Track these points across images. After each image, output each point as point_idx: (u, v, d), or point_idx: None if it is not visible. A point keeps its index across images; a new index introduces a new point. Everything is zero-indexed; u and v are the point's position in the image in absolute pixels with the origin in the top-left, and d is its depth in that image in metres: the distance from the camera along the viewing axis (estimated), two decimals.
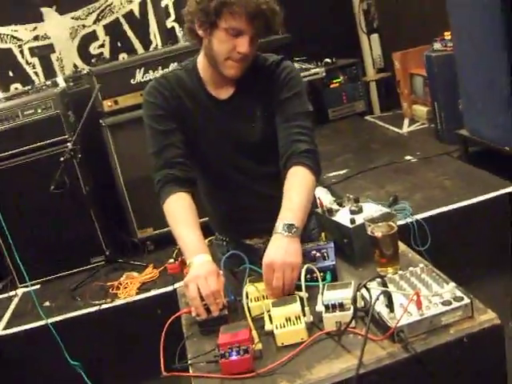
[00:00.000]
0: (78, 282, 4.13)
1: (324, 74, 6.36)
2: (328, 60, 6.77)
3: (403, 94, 6.25)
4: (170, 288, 3.69)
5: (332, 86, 6.81)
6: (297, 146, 2.03)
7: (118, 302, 3.75)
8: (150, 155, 2.12)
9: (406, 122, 6.17)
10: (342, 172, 4.86)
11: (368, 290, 1.56)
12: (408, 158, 4.94)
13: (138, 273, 4.06)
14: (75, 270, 4.36)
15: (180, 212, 2.02)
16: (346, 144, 5.69)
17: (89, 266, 4.36)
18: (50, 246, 4.30)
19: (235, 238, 2.35)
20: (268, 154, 2.16)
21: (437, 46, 5.07)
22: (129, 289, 3.84)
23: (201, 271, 1.79)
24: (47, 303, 3.98)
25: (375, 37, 7.24)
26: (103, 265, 4.30)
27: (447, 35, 4.89)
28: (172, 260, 3.96)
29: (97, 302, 3.75)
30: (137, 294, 3.80)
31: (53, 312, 3.80)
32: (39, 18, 5.80)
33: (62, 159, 3.86)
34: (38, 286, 4.30)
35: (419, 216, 3.70)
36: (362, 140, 5.86)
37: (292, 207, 1.89)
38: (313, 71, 6.05)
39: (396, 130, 5.99)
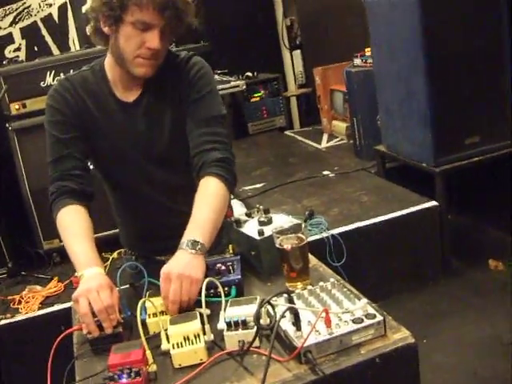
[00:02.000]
0: None
1: (244, 87, 6.27)
2: (249, 74, 6.71)
3: (323, 109, 6.23)
4: None
5: (253, 99, 6.73)
6: (209, 154, 1.91)
7: (18, 318, 3.50)
8: (47, 164, 1.98)
9: (325, 137, 6.13)
10: (258, 185, 4.77)
11: (272, 306, 1.44)
12: (326, 172, 4.90)
13: (41, 286, 3.83)
14: None
15: (72, 225, 1.88)
16: (264, 158, 5.61)
17: None
18: None
19: (145, 254, 2.21)
20: (179, 164, 2.04)
21: (357, 61, 5.06)
22: (31, 303, 3.61)
23: (92, 284, 1.64)
24: None
25: (297, 53, 7.24)
26: (4, 278, 4.05)
27: (367, 51, 4.88)
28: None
29: None
30: (39, 308, 3.57)
31: None
32: None
33: None
34: None
35: (335, 231, 3.64)
36: (280, 154, 5.80)
37: (199, 223, 1.77)
38: (233, 83, 5.94)
39: (315, 145, 5.94)
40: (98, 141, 2.00)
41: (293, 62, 7.31)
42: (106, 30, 1.86)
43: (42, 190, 3.97)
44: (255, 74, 6.78)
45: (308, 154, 5.69)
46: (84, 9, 1.89)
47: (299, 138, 6.37)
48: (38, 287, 3.81)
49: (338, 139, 5.94)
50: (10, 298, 3.74)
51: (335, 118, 6.03)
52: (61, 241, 3.97)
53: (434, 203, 3.88)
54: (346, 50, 5.84)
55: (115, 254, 3.54)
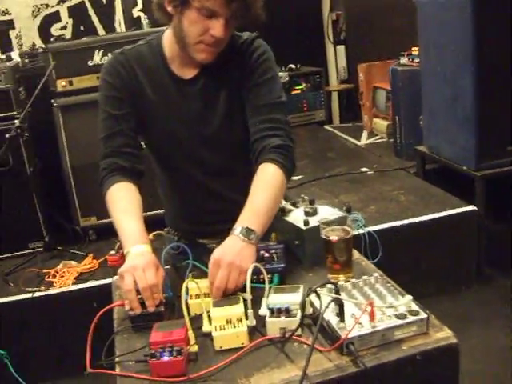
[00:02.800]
0: (13, 267, 3.92)
1: (287, 79, 6.29)
2: (292, 66, 6.69)
3: (365, 106, 6.20)
4: (108, 281, 3.51)
5: (294, 92, 6.70)
6: (269, 140, 1.88)
7: (52, 291, 3.56)
8: (99, 140, 1.98)
9: (365, 134, 6.11)
10: (296, 178, 4.75)
11: (318, 295, 1.44)
12: (364, 169, 4.88)
13: (76, 262, 3.87)
14: (11, 254, 4.12)
15: (122, 201, 1.87)
16: (303, 151, 5.58)
17: (26, 251, 4.13)
18: None
19: (188, 236, 2.19)
20: (229, 147, 2.02)
21: (403, 60, 5.03)
22: (65, 278, 3.66)
23: (139, 262, 1.64)
24: None
25: (341, 48, 7.18)
26: (41, 251, 4.10)
27: (415, 50, 4.85)
28: (113, 252, 3.79)
29: (30, 289, 3.55)
30: (73, 283, 3.61)
31: None
32: None
33: (7, 136, 3.65)
34: None
35: (371, 228, 3.63)
36: (319, 148, 5.79)
37: (255, 210, 1.75)
38: None
39: (354, 141, 5.93)
40: (148, 117, 1.98)
41: (336, 57, 7.26)
42: (169, 9, 1.82)
43: (83, 167, 4.10)
44: (298, 66, 6.75)
45: (347, 150, 5.68)
46: None
47: (339, 133, 6.36)
48: (73, 263, 3.85)
49: (377, 137, 5.92)
50: (45, 271, 3.79)
51: (376, 116, 5.99)
52: (98, 218, 4.14)
53: (472, 208, 3.86)
54: (390, 48, 5.80)
55: (151, 236, 3.57)
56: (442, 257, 3.85)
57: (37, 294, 3.52)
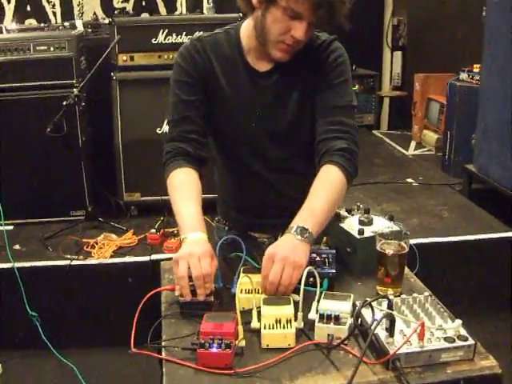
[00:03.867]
0: (54, 232, 3.99)
1: None
2: None
3: (416, 116, 6.16)
4: (146, 258, 3.58)
5: None
6: (334, 142, 1.87)
7: (90, 261, 3.61)
8: (166, 122, 2.00)
9: (413, 144, 6.09)
10: None
11: (372, 308, 1.45)
12: (410, 180, 4.87)
13: (116, 235, 3.92)
14: (53, 219, 4.18)
15: (183, 187, 1.89)
16: None
17: (67, 218, 4.18)
18: (32, 189, 4.14)
19: (239, 227, 2.20)
20: (295, 145, 2.02)
21: (463, 75, 4.99)
22: (104, 250, 3.71)
23: (195, 249, 1.66)
24: (17, 246, 3.84)
25: (398, 54, 7.14)
26: (82, 220, 4.15)
27: (476, 68, 4.81)
28: (154, 230, 3.84)
29: (68, 257, 3.61)
30: (111, 256, 3.66)
31: (21, 257, 3.66)
32: None
33: (64, 103, 3.70)
34: (11, 227, 4.10)
35: (412, 241, 3.59)
36: (366, 153, 5.73)
37: (312, 211, 1.75)
38: None
39: (402, 150, 5.91)
40: (219, 104, 1.99)
41: (392, 63, 7.22)
42: (254, 1, 1.82)
43: (133, 143, 4.15)
44: (354, 67, 6.72)
45: (394, 158, 5.67)
46: None
47: (386, 139, 6.35)
48: (114, 236, 3.90)
49: (426, 149, 5.90)
50: (84, 240, 3.84)
51: (427, 128, 5.96)
52: (142, 195, 4.18)
53: None
54: (449, 62, 5.77)
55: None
56: (478, 278, 3.82)
57: (74, 262, 3.58)
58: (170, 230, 3.80)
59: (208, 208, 2.01)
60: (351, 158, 1.88)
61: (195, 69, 1.95)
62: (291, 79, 1.96)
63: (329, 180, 1.84)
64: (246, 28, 1.97)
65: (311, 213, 1.74)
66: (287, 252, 1.63)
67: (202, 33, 2.03)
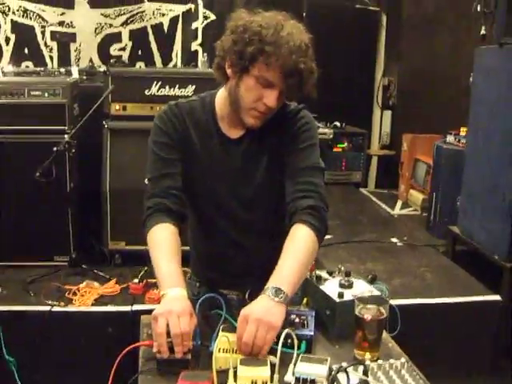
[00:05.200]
0: (36, 277, 3.97)
1: (331, 136, 6.35)
2: (337, 123, 6.74)
3: (403, 176, 6.23)
4: (127, 308, 3.56)
5: (335, 150, 6.74)
6: (302, 201, 1.93)
7: (71, 308, 3.58)
8: (147, 181, 2.04)
9: (399, 204, 6.14)
10: (326, 237, 4.74)
11: (347, 374, 1.46)
12: (394, 240, 4.89)
13: (99, 283, 3.90)
14: (36, 264, 4.16)
15: (163, 243, 1.92)
16: (335, 211, 5.58)
17: (51, 263, 4.16)
18: (17, 231, 4.13)
19: (209, 284, 2.23)
20: (261, 209, 2.09)
21: (450, 138, 5.07)
22: (86, 297, 3.68)
23: (174, 307, 1.67)
24: None
25: (388, 113, 7.27)
26: (66, 266, 4.14)
27: (463, 131, 4.89)
28: (136, 280, 3.83)
29: (50, 302, 3.57)
30: (92, 304, 3.64)
31: (1, 300, 3.64)
32: (70, 5, 5.81)
33: (55, 149, 3.74)
34: None
35: (393, 301, 3.61)
36: (352, 210, 5.80)
37: (285, 271, 1.78)
38: (321, 130, 6.02)
39: (387, 209, 5.95)
40: (192, 167, 2.05)
41: (381, 122, 7.33)
42: (228, 72, 1.92)
43: (121, 192, 4.17)
44: (343, 125, 6.81)
45: (379, 217, 5.69)
46: (216, 44, 1.92)
47: (373, 198, 6.39)
48: (96, 284, 3.88)
49: (411, 209, 5.94)
50: (66, 287, 3.82)
51: (413, 188, 6.01)
52: (127, 244, 4.17)
53: (497, 298, 3.83)
54: (437, 123, 5.87)
55: None
56: (459, 341, 3.80)
57: (55, 309, 3.54)
58: (153, 280, 3.76)
59: (187, 260, 2.03)
60: (319, 216, 1.93)
61: (173, 131, 2.03)
62: (261, 145, 2.04)
63: (299, 240, 1.88)
64: (220, 97, 2.05)
65: (284, 275, 1.77)
66: (262, 313, 1.64)
67: (180, 99, 2.12)
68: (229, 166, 2.05)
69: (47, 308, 3.54)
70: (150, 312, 1.77)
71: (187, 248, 2.21)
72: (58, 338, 3.53)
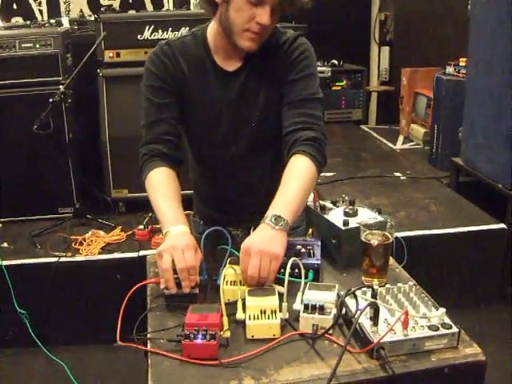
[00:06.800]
0: (42, 230, 3.98)
1: (329, 75, 6.29)
2: (335, 61, 6.66)
3: (404, 110, 6.18)
4: (134, 254, 3.58)
5: (334, 88, 6.67)
6: (301, 133, 1.90)
7: (78, 258, 3.61)
8: (141, 126, 2.01)
9: (401, 138, 6.11)
10: (328, 174, 4.76)
11: (356, 297, 1.45)
12: (397, 174, 4.88)
13: (104, 232, 3.92)
14: (40, 217, 4.19)
15: (162, 185, 1.91)
16: (337, 148, 5.56)
17: (55, 216, 4.19)
18: (19, 186, 4.15)
19: (212, 223, 2.22)
20: (262, 143, 2.05)
21: (449, 69, 5.00)
22: (92, 246, 3.71)
23: (179, 242, 1.67)
24: (5, 244, 3.83)
25: (386, 49, 7.15)
26: (70, 217, 4.15)
27: (462, 61, 4.82)
28: (142, 226, 3.84)
29: (57, 254, 3.61)
30: (99, 253, 3.67)
31: (9, 254, 3.66)
32: None
33: (50, 100, 3.70)
34: None
35: (399, 234, 3.61)
36: (354, 147, 5.78)
37: (286, 199, 1.76)
38: (319, 69, 5.95)
39: (390, 144, 5.93)
40: (189, 105, 2.01)
41: (379, 58, 7.23)
42: None
43: (120, 140, 4.14)
44: (341, 63, 6.72)
45: (381, 153, 5.68)
46: None
47: (374, 134, 6.36)
48: (101, 232, 3.91)
49: (413, 143, 5.92)
50: (72, 237, 3.84)
51: (414, 122, 5.98)
52: (129, 192, 4.17)
53: (502, 226, 3.85)
54: (436, 56, 5.80)
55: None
56: (466, 271, 3.85)
57: (62, 259, 3.58)
58: (158, 226, 3.75)
59: (187, 204, 2.02)
60: (319, 147, 1.90)
61: (166, 73, 1.97)
62: (259, 77, 1.99)
63: (299, 169, 1.85)
64: (212, 29, 1.99)
65: (285, 201, 1.75)
66: (263, 244, 1.63)
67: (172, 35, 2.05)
68: (227, 99, 1.99)
69: (55, 259, 3.58)
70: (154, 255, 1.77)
71: (188, 192, 2.19)
72: (68, 289, 3.58)
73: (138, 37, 4.13)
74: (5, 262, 3.48)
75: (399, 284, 1.61)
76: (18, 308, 3.42)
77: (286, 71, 1.96)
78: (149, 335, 1.53)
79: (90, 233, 3.87)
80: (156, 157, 1.95)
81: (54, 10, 5.79)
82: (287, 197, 1.77)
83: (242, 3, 1.79)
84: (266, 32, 1.87)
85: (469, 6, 4.42)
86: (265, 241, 1.65)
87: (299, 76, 1.96)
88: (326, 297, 1.52)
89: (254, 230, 1.74)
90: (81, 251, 3.67)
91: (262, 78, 1.99)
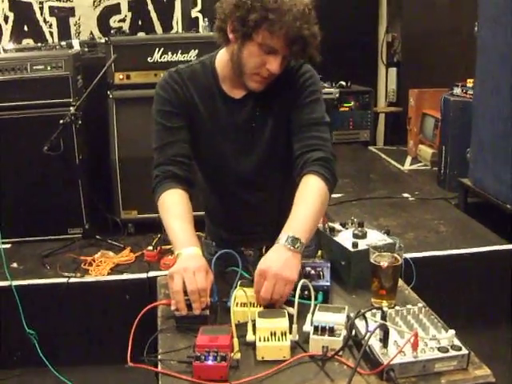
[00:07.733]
0: (51, 250, 4.00)
1: (337, 96, 6.32)
2: (343, 83, 6.69)
3: (412, 131, 6.20)
4: (143, 275, 3.59)
5: (341, 109, 6.70)
6: (311, 154, 1.93)
7: (87, 279, 3.62)
8: (152, 150, 2.04)
9: (409, 159, 6.13)
10: (336, 195, 4.77)
11: (365, 319, 1.46)
12: (406, 195, 4.89)
13: (113, 253, 3.94)
14: (50, 237, 4.21)
15: (174, 206, 1.92)
16: (345, 170, 5.58)
17: (65, 236, 4.20)
18: (29, 207, 4.17)
19: (225, 245, 2.24)
20: (269, 168, 2.08)
21: (457, 90, 5.03)
22: (101, 267, 3.73)
23: (190, 264, 1.68)
24: (15, 264, 3.85)
25: (393, 70, 7.20)
26: (80, 238, 4.16)
27: (469, 82, 4.85)
28: (151, 247, 3.86)
29: (66, 274, 3.62)
30: (108, 274, 3.68)
31: (19, 275, 3.67)
32: None
33: (61, 122, 3.74)
34: (8, 246, 4.12)
35: (408, 255, 3.61)
36: (362, 169, 5.80)
37: (299, 219, 1.78)
38: (326, 90, 6.00)
39: (398, 165, 5.94)
40: (199, 132, 2.04)
41: (387, 79, 7.27)
42: (230, 36, 1.88)
43: (130, 161, 4.18)
44: (348, 84, 6.75)
45: (390, 174, 5.69)
46: (216, 6, 1.89)
47: (382, 155, 6.38)
48: (111, 253, 3.92)
49: (421, 164, 5.93)
50: (82, 258, 3.86)
51: (422, 143, 5.99)
52: (139, 213, 4.20)
53: (511, 247, 3.82)
54: (443, 77, 5.82)
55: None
56: (475, 292, 3.82)
57: (72, 280, 3.59)
58: (167, 247, 3.80)
59: (199, 225, 2.04)
60: (329, 167, 1.92)
61: (176, 98, 2.00)
62: (265, 104, 2.02)
63: (312, 189, 1.87)
64: (221, 58, 2.02)
65: (299, 222, 1.77)
66: (278, 268, 1.65)
67: (179, 65, 2.08)
68: (235, 125, 2.03)
69: (64, 280, 3.59)
70: (164, 276, 1.78)
71: (200, 213, 2.21)
72: (77, 309, 3.58)
73: (148, 59, 4.17)
74: (14, 283, 3.47)
75: (408, 306, 1.62)
76: (26, 328, 3.42)
77: (293, 97, 2.00)
78: (159, 356, 1.54)
79: (99, 253, 3.89)
80: (169, 178, 1.97)
81: (64, 32, 5.84)
82: (302, 217, 1.80)
83: (255, 49, 1.84)
84: (274, 77, 1.92)
85: (475, 27, 4.44)
86: (281, 264, 1.67)
87: (306, 101, 2.00)
88: (335, 318, 1.53)
89: (266, 250, 1.75)
90: (90, 272, 3.69)
91: (268, 105, 2.02)
